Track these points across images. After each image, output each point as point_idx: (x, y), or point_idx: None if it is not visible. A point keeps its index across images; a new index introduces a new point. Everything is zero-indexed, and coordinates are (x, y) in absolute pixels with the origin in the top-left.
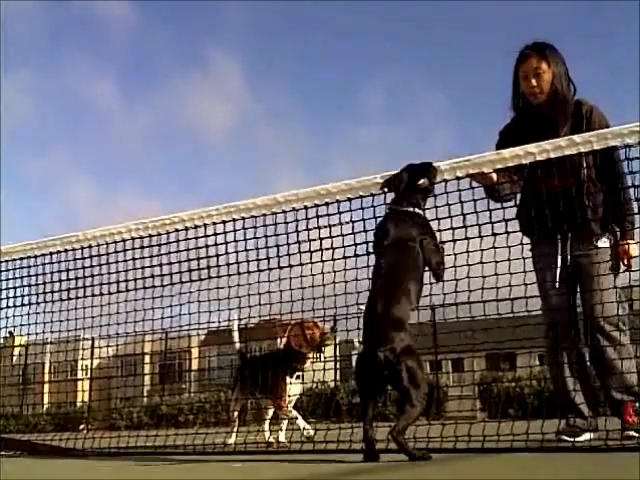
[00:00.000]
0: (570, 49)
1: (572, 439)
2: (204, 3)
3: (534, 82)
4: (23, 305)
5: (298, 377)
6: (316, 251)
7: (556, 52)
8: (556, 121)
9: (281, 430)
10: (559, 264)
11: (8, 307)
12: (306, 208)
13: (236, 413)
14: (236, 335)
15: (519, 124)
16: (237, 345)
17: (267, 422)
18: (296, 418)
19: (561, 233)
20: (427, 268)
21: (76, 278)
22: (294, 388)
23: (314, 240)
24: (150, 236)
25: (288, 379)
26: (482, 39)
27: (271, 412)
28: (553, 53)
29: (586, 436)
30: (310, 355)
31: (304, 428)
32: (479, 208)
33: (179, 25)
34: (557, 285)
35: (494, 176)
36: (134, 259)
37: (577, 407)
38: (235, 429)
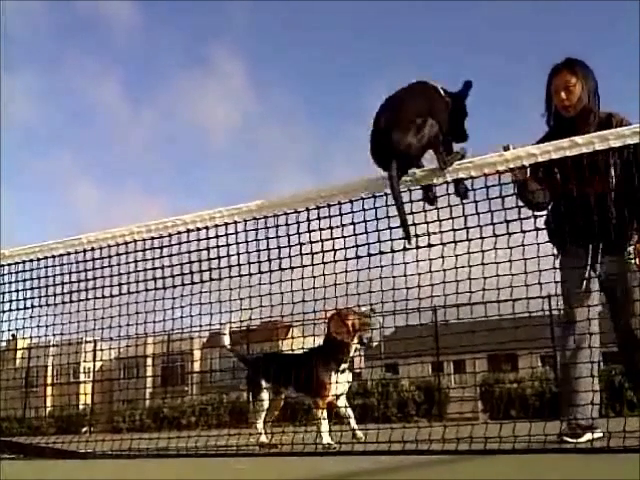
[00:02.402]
0: (572, 48)
1: (574, 440)
2: (208, 3)
3: (564, 95)
4: (26, 308)
5: (344, 371)
6: (317, 253)
7: (587, 68)
8: (578, 131)
9: (322, 432)
10: (587, 270)
11: (11, 310)
12: (308, 210)
13: (263, 414)
14: (227, 336)
15: (551, 136)
16: (226, 341)
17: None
18: (350, 417)
19: (590, 240)
20: None
21: (79, 281)
22: (342, 383)
23: (316, 242)
24: (152, 239)
25: (334, 375)
26: (485, 40)
27: (323, 413)
28: (583, 69)
29: (588, 436)
30: (354, 345)
31: (354, 429)
32: (480, 209)
33: (183, 25)
34: (583, 287)
35: (527, 172)
36: (136, 261)
37: (582, 406)
38: (262, 430)
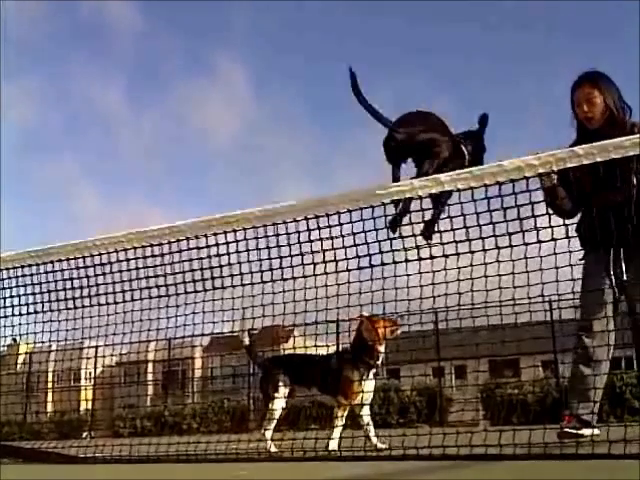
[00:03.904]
0: (573, 49)
1: (574, 431)
2: (211, 8)
3: (586, 108)
4: (28, 313)
5: (371, 378)
6: (310, 264)
7: (607, 79)
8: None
9: (331, 439)
10: (610, 279)
11: (13, 315)
12: (307, 219)
13: (274, 423)
14: (246, 337)
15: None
16: (246, 340)
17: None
18: (368, 424)
19: (613, 247)
20: None
21: (81, 287)
22: (369, 390)
23: (316, 252)
24: (152, 245)
25: (363, 378)
26: (490, 43)
27: (344, 415)
28: (604, 80)
29: (588, 431)
30: (381, 350)
31: (375, 441)
32: (482, 221)
33: (186, 30)
34: (603, 294)
35: (554, 179)
36: (137, 268)
37: (586, 402)
38: (270, 438)
